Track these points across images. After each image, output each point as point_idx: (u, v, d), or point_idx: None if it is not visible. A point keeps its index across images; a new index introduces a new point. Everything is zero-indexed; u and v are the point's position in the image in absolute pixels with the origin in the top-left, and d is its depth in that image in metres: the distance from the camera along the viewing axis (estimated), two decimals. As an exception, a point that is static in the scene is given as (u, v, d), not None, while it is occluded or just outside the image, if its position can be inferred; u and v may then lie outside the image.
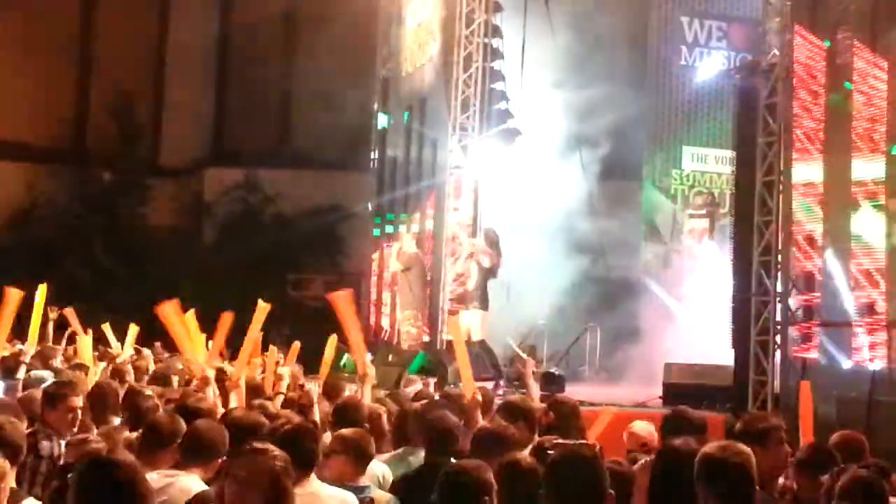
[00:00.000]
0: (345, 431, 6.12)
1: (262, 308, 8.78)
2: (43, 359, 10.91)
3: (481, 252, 14.50)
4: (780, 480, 5.80)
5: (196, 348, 8.87)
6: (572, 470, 4.31)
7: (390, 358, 14.83)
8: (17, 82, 26.80)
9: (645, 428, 7.17)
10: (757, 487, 4.55)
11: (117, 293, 21.42)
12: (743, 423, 5.73)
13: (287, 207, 26.04)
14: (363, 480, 5.98)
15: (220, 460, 5.32)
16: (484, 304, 14.25)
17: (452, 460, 6.03)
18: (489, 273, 14.39)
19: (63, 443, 6.38)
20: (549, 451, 4.86)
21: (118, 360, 11.39)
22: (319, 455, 5.53)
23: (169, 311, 8.72)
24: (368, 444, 6.07)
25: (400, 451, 6.89)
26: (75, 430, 6.59)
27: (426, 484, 5.96)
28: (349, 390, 9.02)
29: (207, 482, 5.24)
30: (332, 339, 9.66)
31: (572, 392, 11.03)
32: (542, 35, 17.18)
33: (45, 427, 6.53)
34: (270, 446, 4.22)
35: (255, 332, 8.84)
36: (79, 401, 6.73)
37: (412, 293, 16.26)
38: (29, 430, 6.42)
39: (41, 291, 11.46)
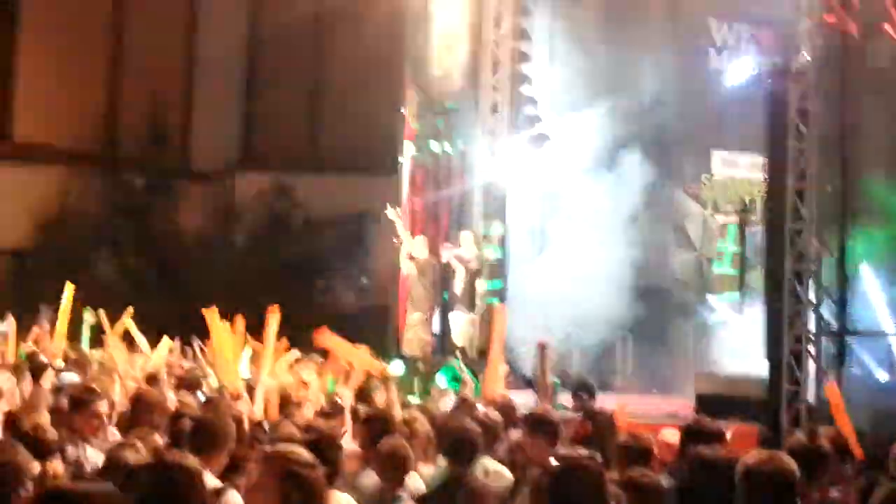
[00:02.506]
0: (384, 444, 6.12)
1: (274, 315, 8.83)
2: (79, 367, 10.92)
3: (469, 255, 14.66)
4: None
5: (233, 362, 8.88)
6: (577, 483, 4.29)
7: (420, 366, 14.83)
8: (48, 86, 26.96)
9: (675, 436, 7.15)
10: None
11: (148, 297, 21.47)
12: (791, 450, 5.64)
13: (316, 212, 26.07)
14: (400, 491, 5.98)
15: (226, 452, 5.35)
16: (471, 307, 14.39)
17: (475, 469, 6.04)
18: (476, 275, 14.49)
19: (88, 448, 6.41)
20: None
21: (151, 366, 11.41)
22: (342, 464, 5.51)
23: (213, 318, 8.75)
24: (406, 456, 6.07)
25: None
26: (101, 435, 6.60)
27: (450, 494, 5.97)
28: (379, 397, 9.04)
29: (220, 477, 5.25)
30: (363, 351, 9.65)
31: (603, 401, 10.96)
32: (571, 40, 17.12)
33: (71, 432, 6.54)
34: (289, 447, 4.22)
35: (271, 340, 8.88)
36: (104, 406, 6.74)
37: (423, 297, 16.24)
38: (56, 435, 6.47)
39: (68, 292, 11.55)
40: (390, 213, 17.00)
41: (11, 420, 6.71)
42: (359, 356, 9.00)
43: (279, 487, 4.00)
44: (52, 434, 5.72)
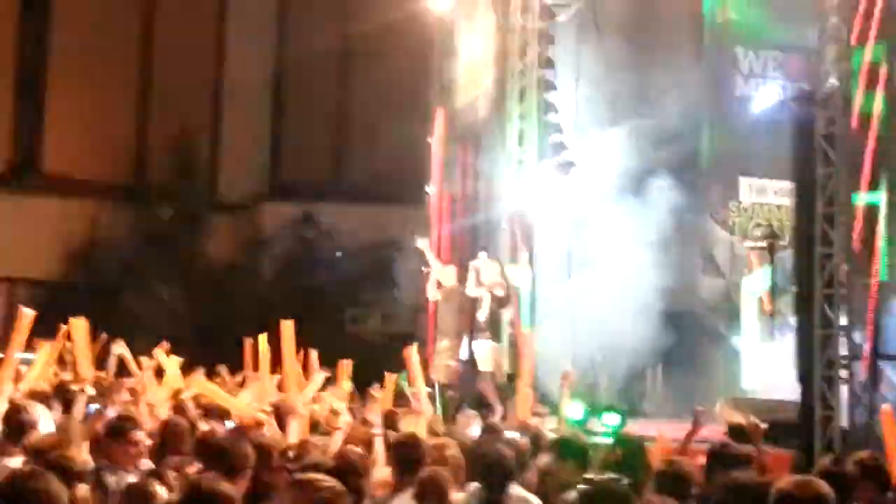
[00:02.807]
0: (426, 472, 6.10)
1: (288, 327, 8.85)
2: (107, 394, 10.91)
3: (496, 283, 14.62)
4: None
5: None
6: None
7: (449, 392, 14.81)
8: (77, 118, 27.24)
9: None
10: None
11: (176, 328, 21.57)
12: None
13: (343, 242, 26.16)
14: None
15: (244, 478, 5.35)
16: (496, 336, 14.35)
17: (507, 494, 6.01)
18: (502, 303, 14.45)
19: (129, 477, 6.40)
20: None
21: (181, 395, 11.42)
22: (365, 490, 5.49)
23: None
24: (447, 485, 6.05)
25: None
26: (139, 464, 6.60)
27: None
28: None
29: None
30: (392, 379, 9.64)
31: (633, 427, 10.92)
32: (596, 68, 17.14)
33: (110, 462, 6.54)
34: (320, 477, 4.22)
35: (291, 356, 8.89)
36: (141, 435, 6.74)
37: (450, 324, 16.25)
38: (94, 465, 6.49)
39: (78, 325, 11.59)
40: (420, 243, 17.02)
41: (41, 449, 6.70)
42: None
43: None
44: (80, 462, 5.72)
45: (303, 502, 4.07)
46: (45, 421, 9.03)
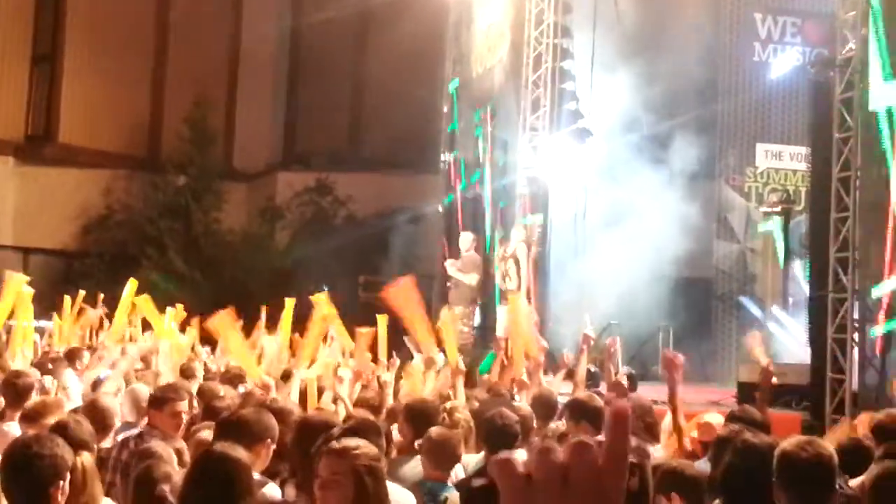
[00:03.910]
0: (433, 431, 6.10)
1: (289, 307, 8.86)
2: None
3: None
4: None
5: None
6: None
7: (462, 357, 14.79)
8: (93, 90, 27.29)
9: (717, 419, 7.09)
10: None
11: (192, 295, 21.66)
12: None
13: (358, 210, 26.19)
14: (449, 480, 5.97)
15: (265, 447, 5.35)
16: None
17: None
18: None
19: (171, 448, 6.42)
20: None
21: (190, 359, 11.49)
22: (384, 450, 5.48)
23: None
24: (456, 445, 6.04)
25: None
26: (180, 433, 6.61)
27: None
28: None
29: (263, 474, 5.25)
30: (382, 320, 9.63)
31: (644, 391, 10.89)
32: (612, 35, 17.05)
33: (152, 429, 6.56)
34: (354, 442, 4.20)
35: (286, 330, 8.91)
36: (184, 405, 6.74)
37: (465, 291, 16.23)
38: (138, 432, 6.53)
39: (131, 287, 11.70)
40: (450, 268, 16.88)
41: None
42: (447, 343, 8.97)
43: (355, 482, 4.02)
44: (85, 429, 5.72)
45: (349, 470, 4.06)
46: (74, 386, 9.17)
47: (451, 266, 16.82)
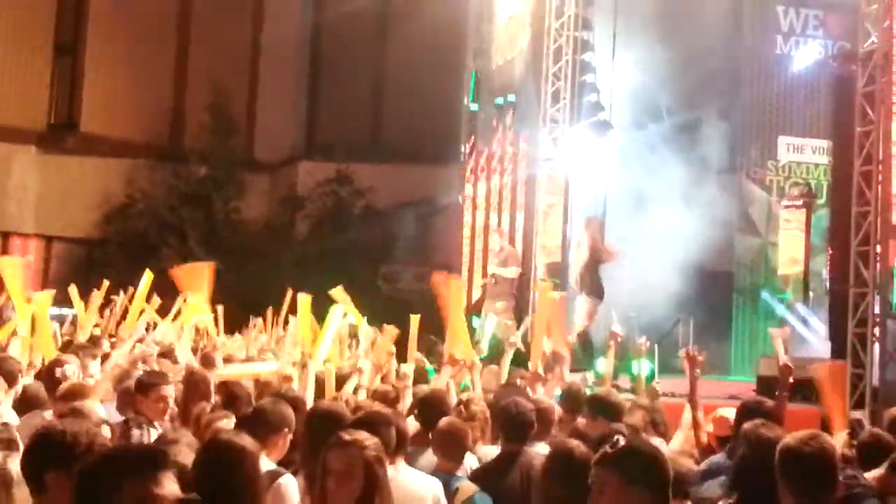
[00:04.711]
0: (442, 423, 6.11)
1: (305, 302, 8.85)
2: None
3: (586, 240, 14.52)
4: None
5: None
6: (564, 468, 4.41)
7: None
8: (115, 80, 27.40)
9: (732, 414, 7.08)
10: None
11: (213, 286, 21.75)
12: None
13: (378, 200, 26.23)
14: (458, 471, 5.97)
15: (282, 437, 5.37)
16: (593, 293, 14.13)
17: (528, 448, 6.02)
18: (594, 260, 14.23)
19: (154, 431, 6.45)
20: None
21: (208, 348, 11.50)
22: (394, 440, 5.48)
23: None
24: (464, 436, 6.05)
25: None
26: (167, 418, 6.65)
27: (502, 471, 5.95)
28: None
29: (280, 463, 5.28)
30: (415, 319, 9.64)
31: (664, 384, 10.89)
32: (634, 28, 16.99)
33: (138, 416, 6.60)
34: (362, 435, 4.24)
35: (305, 324, 8.91)
36: (170, 390, 6.77)
37: (506, 285, 16.20)
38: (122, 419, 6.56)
39: (147, 279, 11.70)
40: (491, 267, 16.87)
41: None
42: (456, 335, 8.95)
43: (364, 473, 4.07)
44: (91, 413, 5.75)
45: (358, 462, 4.11)
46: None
47: (491, 264, 16.79)
